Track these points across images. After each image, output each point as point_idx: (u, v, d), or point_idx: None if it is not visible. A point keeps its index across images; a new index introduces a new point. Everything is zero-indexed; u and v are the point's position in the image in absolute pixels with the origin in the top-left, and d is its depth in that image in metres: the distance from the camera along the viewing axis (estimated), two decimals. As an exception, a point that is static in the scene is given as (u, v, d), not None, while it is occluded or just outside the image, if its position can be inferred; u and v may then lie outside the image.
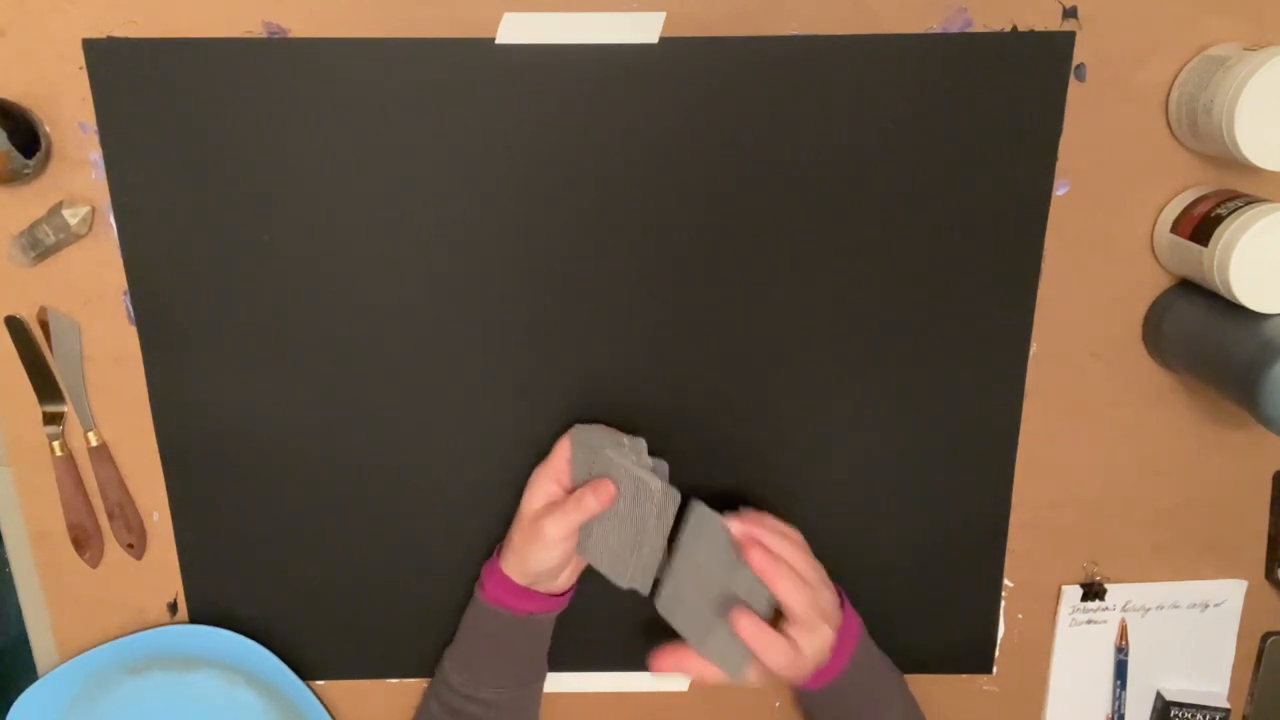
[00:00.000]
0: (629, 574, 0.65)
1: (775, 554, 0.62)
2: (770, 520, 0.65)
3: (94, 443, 0.69)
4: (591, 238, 0.66)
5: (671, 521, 0.64)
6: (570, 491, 0.66)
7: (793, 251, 0.66)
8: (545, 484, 0.66)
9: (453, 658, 0.70)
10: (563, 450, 0.67)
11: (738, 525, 0.63)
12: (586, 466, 0.65)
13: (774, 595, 0.61)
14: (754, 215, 0.65)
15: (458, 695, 0.69)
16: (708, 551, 0.63)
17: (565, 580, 0.68)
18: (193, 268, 0.66)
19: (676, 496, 0.63)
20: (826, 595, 0.64)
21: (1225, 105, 0.57)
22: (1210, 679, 0.76)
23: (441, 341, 0.68)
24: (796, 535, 0.65)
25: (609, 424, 0.68)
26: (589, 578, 0.69)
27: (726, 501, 0.69)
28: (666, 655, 0.64)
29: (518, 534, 0.67)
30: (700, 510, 0.64)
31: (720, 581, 0.63)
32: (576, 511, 0.63)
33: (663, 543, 0.64)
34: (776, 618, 0.63)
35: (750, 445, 0.70)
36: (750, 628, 0.60)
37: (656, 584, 0.66)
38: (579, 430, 0.67)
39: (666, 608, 0.65)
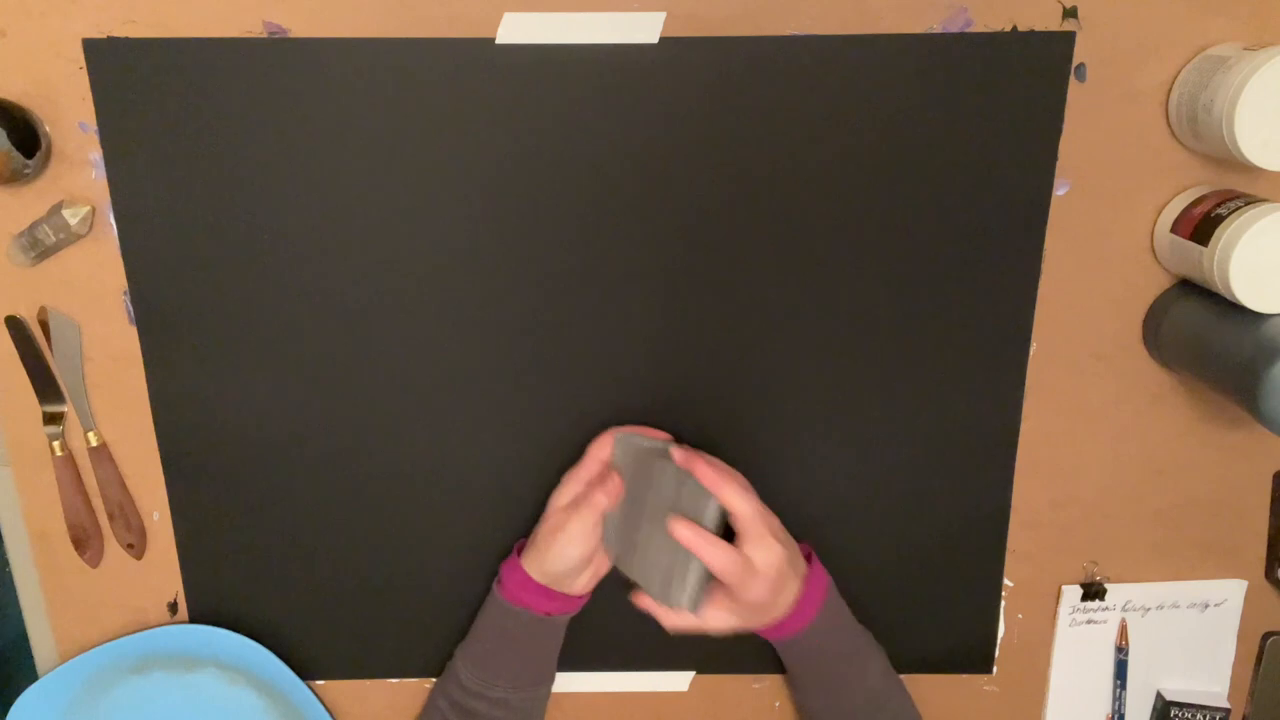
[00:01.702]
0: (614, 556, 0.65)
1: (719, 467, 0.63)
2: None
3: (94, 443, 0.69)
4: (591, 237, 0.66)
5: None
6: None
7: (792, 251, 0.66)
8: (572, 484, 0.67)
9: (465, 655, 0.70)
10: (595, 452, 0.67)
11: (679, 452, 0.63)
12: (622, 461, 0.66)
13: (722, 506, 0.62)
14: (754, 215, 0.65)
15: (468, 693, 0.69)
16: (656, 491, 0.63)
17: (584, 584, 0.68)
18: (193, 268, 0.66)
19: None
20: (777, 524, 0.65)
21: (1225, 105, 0.57)
22: (1210, 679, 0.76)
23: (440, 341, 0.68)
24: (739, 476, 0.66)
25: (611, 422, 0.69)
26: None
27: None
28: (645, 597, 0.65)
29: (541, 531, 0.67)
30: (641, 451, 0.64)
31: (666, 517, 0.63)
32: (590, 509, 0.64)
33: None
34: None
35: (750, 445, 0.70)
36: (688, 532, 0.60)
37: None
38: (619, 433, 0.67)
39: (623, 562, 0.66)
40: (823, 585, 0.67)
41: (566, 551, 0.65)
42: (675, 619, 0.64)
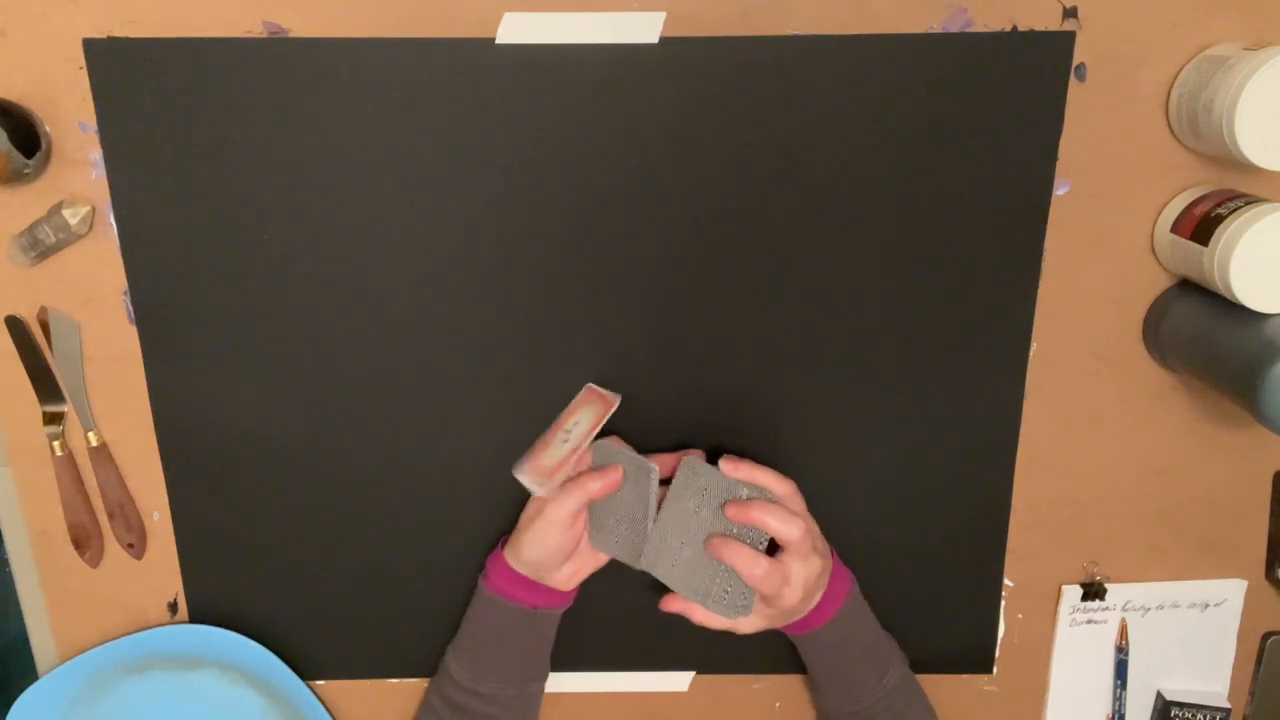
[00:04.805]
0: (642, 556, 0.66)
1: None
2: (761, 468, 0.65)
3: (94, 443, 0.69)
4: (591, 237, 0.66)
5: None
6: None
7: (792, 251, 0.66)
8: None
9: (455, 651, 0.70)
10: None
11: (730, 465, 0.63)
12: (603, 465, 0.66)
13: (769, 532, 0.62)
14: (754, 215, 0.65)
15: (459, 689, 0.69)
16: (700, 500, 0.64)
17: (566, 577, 0.68)
18: (193, 268, 0.66)
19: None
20: (816, 531, 0.66)
21: (1225, 105, 0.57)
22: (1210, 679, 0.76)
23: (440, 341, 0.68)
24: (790, 482, 0.65)
25: (610, 423, 0.69)
26: (591, 578, 0.70)
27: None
28: (676, 600, 0.66)
29: (521, 520, 0.67)
30: (692, 463, 0.65)
31: (713, 528, 0.64)
32: (579, 491, 0.64)
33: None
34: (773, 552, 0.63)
35: (749, 445, 0.70)
36: (723, 545, 0.61)
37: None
38: (598, 442, 0.67)
39: (654, 565, 0.66)
40: (845, 585, 0.68)
41: (544, 536, 0.65)
42: (708, 620, 0.65)
